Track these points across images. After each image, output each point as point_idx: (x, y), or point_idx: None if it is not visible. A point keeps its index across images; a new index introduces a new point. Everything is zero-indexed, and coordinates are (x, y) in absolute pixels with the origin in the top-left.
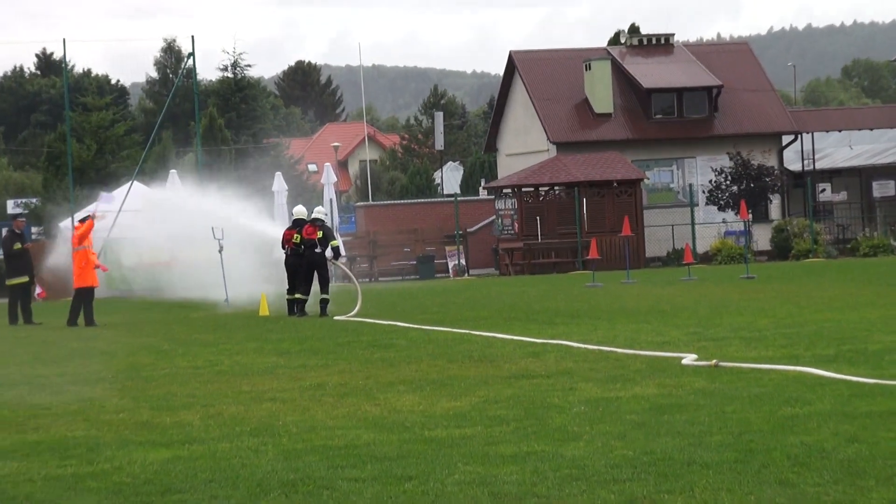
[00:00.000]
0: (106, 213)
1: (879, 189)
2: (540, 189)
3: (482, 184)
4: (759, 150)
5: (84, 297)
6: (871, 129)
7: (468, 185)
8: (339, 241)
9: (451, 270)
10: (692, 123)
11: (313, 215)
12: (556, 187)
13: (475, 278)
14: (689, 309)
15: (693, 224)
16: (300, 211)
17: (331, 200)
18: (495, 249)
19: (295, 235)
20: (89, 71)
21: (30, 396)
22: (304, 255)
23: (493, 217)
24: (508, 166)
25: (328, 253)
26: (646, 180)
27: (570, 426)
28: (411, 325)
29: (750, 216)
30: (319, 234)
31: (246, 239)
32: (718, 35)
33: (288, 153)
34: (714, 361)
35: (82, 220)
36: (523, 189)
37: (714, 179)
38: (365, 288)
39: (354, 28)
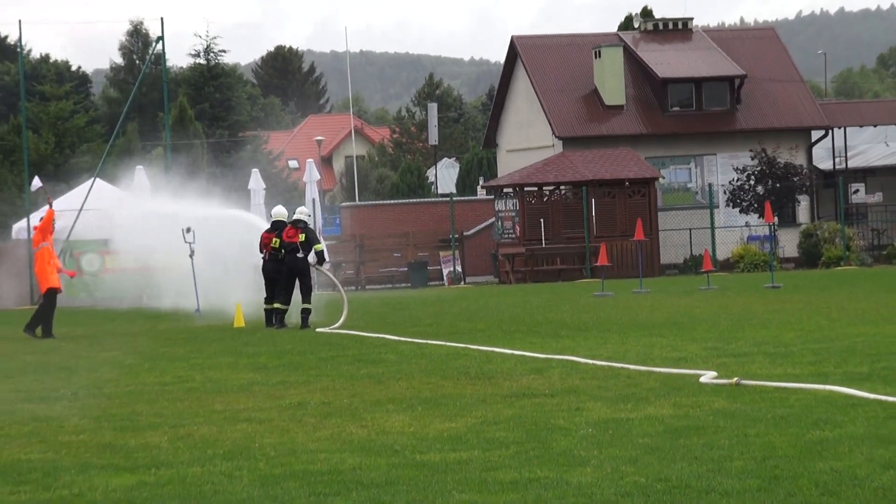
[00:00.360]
0: (64, 212)
1: None
2: (544, 189)
3: (480, 183)
4: (785, 146)
5: (50, 302)
6: None
7: (465, 184)
8: (323, 245)
9: (445, 278)
10: (712, 117)
11: (295, 216)
12: (561, 187)
13: (472, 287)
14: (709, 321)
15: (713, 228)
16: (280, 212)
17: (313, 200)
18: (494, 255)
19: (274, 240)
20: (47, 56)
21: None
22: (284, 261)
23: (493, 219)
24: (509, 163)
25: (311, 258)
26: (661, 179)
27: (577, 450)
28: (402, 339)
29: (775, 219)
30: (301, 237)
31: (220, 242)
32: (742, 20)
33: (266, 148)
34: (735, 379)
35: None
36: (526, 188)
37: (736, 179)
38: (351, 297)
39: (341, 10)
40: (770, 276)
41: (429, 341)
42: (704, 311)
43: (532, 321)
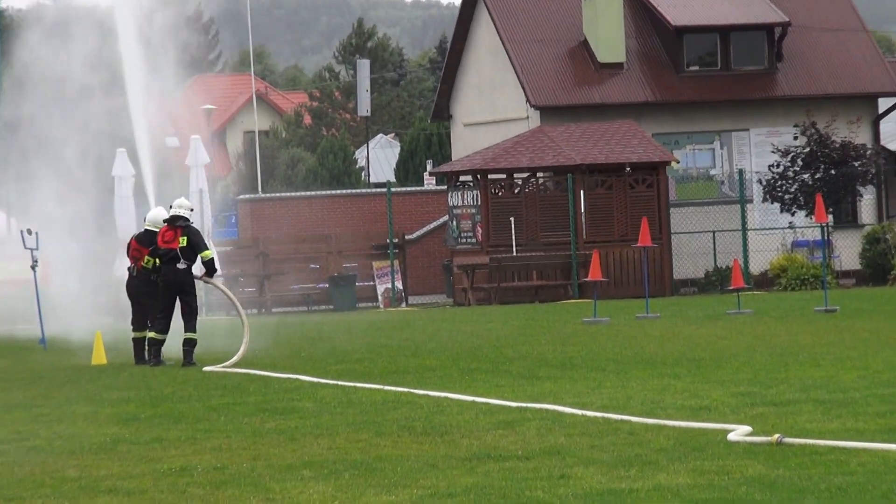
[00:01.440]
0: None
1: None
2: (515, 176)
3: (428, 168)
4: (843, 119)
5: None
6: None
7: (407, 170)
8: (212, 252)
9: (381, 298)
10: (744, 79)
11: (173, 211)
12: (539, 174)
13: (418, 310)
14: (740, 357)
15: (744, 230)
16: (157, 219)
17: (200, 191)
18: (447, 266)
19: (146, 258)
20: None
21: None
22: (160, 274)
23: (445, 218)
24: (468, 142)
25: (196, 269)
26: (674, 164)
27: None
28: (322, 380)
29: (830, 219)
30: (182, 240)
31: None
32: None
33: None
34: (776, 437)
35: None
36: (490, 176)
37: (776, 163)
38: (252, 322)
39: None
40: (823, 295)
41: (359, 384)
42: (734, 344)
43: (499, 357)
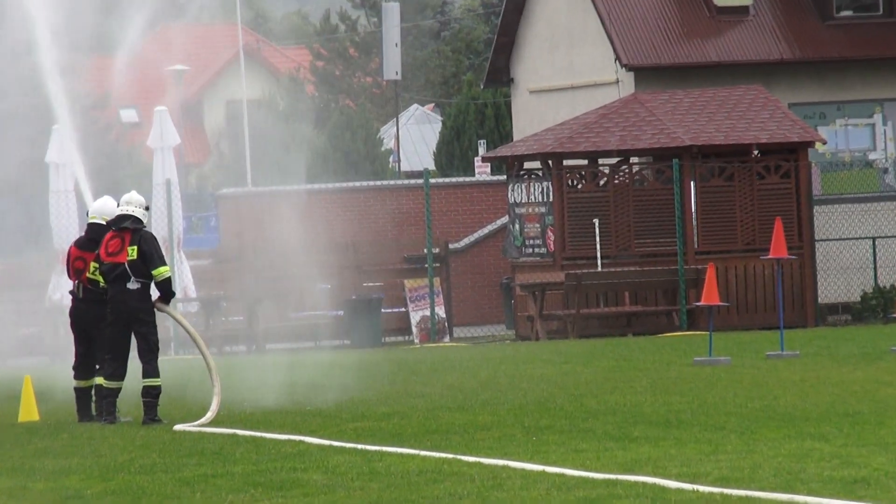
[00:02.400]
0: None
1: None
2: (601, 163)
3: (480, 152)
4: None
5: None
6: None
7: (452, 155)
8: (168, 269)
9: (415, 329)
10: None
11: (120, 210)
12: (633, 160)
13: (466, 345)
14: None
15: None
16: (104, 209)
17: (168, 182)
18: (507, 286)
19: (92, 265)
20: None
21: None
22: (110, 299)
23: (504, 220)
24: (536, 115)
25: (152, 291)
26: (819, 146)
27: None
28: (334, 443)
29: None
30: (132, 251)
31: None
32: None
33: (81, 86)
34: None
35: None
36: (566, 163)
37: None
38: (239, 363)
39: None
40: None
41: (386, 448)
42: None
43: (578, 410)
